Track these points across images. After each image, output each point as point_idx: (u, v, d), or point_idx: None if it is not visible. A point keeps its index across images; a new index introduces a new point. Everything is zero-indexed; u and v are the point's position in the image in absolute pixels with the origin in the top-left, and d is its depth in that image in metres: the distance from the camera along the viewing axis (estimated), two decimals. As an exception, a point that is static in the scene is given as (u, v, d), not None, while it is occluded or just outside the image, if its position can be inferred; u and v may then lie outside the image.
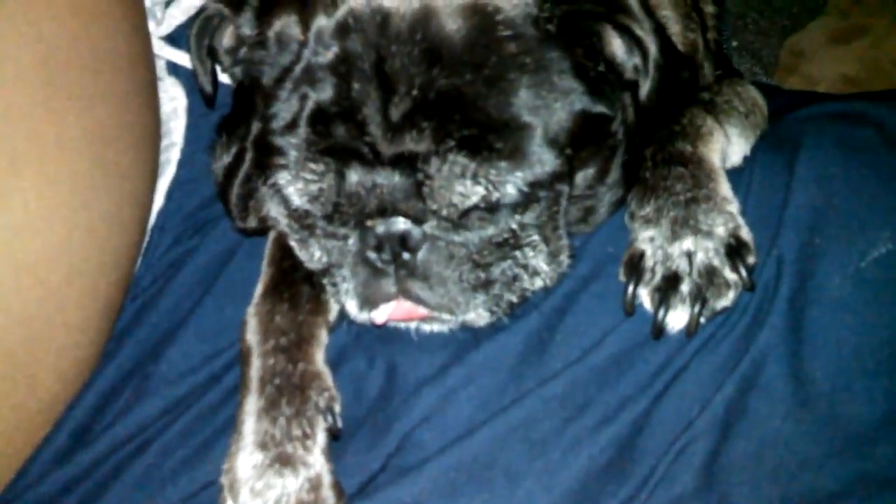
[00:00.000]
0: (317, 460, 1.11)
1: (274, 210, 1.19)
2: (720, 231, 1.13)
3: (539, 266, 1.13)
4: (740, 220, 1.15)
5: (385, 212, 1.06)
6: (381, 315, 1.14)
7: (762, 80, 2.31)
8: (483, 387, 1.15)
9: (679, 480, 1.09)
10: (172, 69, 1.44)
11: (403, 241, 1.07)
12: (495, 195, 1.04)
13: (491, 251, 1.10)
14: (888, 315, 1.12)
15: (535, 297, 1.17)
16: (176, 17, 1.47)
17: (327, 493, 1.10)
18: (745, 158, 1.29)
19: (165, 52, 1.44)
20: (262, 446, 1.10)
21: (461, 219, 1.07)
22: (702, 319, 1.11)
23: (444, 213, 1.05)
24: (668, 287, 1.11)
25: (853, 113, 1.34)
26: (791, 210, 1.18)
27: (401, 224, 1.07)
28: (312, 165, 1.04)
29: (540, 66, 1.05)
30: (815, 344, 1.11)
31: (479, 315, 1.12)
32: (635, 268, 1.14)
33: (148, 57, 1.39)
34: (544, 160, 1.05)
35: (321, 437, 1.12)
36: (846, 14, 2.51)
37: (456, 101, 1.01)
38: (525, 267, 1.13)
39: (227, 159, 1.22)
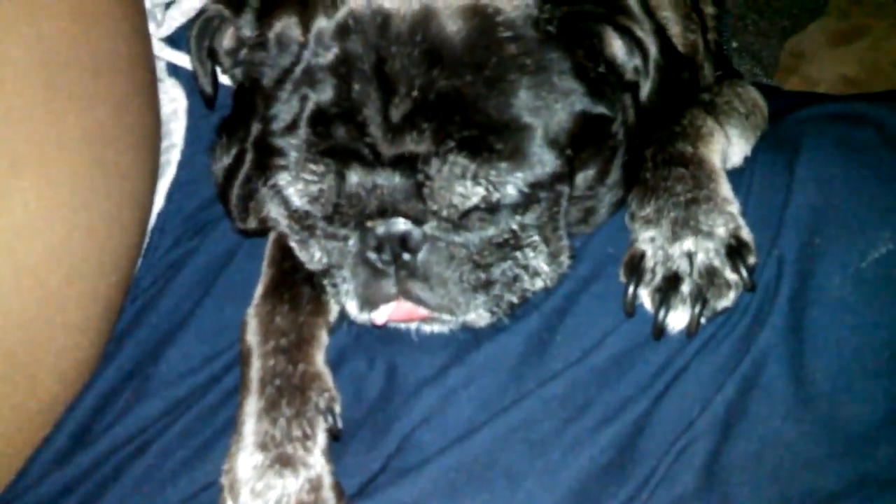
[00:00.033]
0: (317, 461, 1.11)
1: (274, 211, 1.19)
2: (721, 231, 1.13)
3: (539, 267, 1.13)
4: (741, 221, 1.15)
5: (385, 213, 1.06)
6: (381, 316, 1.14)
7: (762, 81, 2.31)
8: (483, 387, 1.15)
9: (680, 481, 1.09)
10: (172, 70, 1.44)
11: (404, 241, 1.07)
12: (496, 196, 1.04)
13: (491, 252, 1.10)
14: (889, 315, 1.12)
15: (536, 298, 1.17)
16: (176, 18, 1.47)
17: (327, 494, 1.10)
18: (746, 159, 1.29)
19: (165, 54, 1.44)
20: (263, 447, 1.10)
21: (461, 219, 1.07)
22: (702, 320, 1.11)
23: (445, 213, 1.05)
24: (668, 287, 1.11)
25: (853, 114, 1.35)
26: (791, 210, 1.18)
27: (401, 225, 1.07)
28: (313, 166, 1.04)
29: (540, 67, 1.05)
30: (816, 344, 1.11)
31: (479, 316, 1.12)
32: (636, 268, 1.14)
33: (148, 58, 1.39)
34: (545, 161, 1.05)
35: (321, 438, 1.12)
36: (846, 15, 2.51)
37: (456, 102, 1.01)
38: (525, 267, 1.13)
39: (227, 160, 1.22)
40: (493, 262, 1.10)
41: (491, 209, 1.06)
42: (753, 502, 1.08)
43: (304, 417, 1.12)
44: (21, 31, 1.16)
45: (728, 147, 1.27)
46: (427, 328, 1.17)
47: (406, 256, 1.08)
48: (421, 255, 1.08)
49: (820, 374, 1.10)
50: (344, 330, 1.22)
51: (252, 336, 1.18)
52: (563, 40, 1.06)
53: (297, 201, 1.08)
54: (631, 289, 1.13)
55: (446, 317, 1.12)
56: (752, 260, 1.12)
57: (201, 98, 1.29)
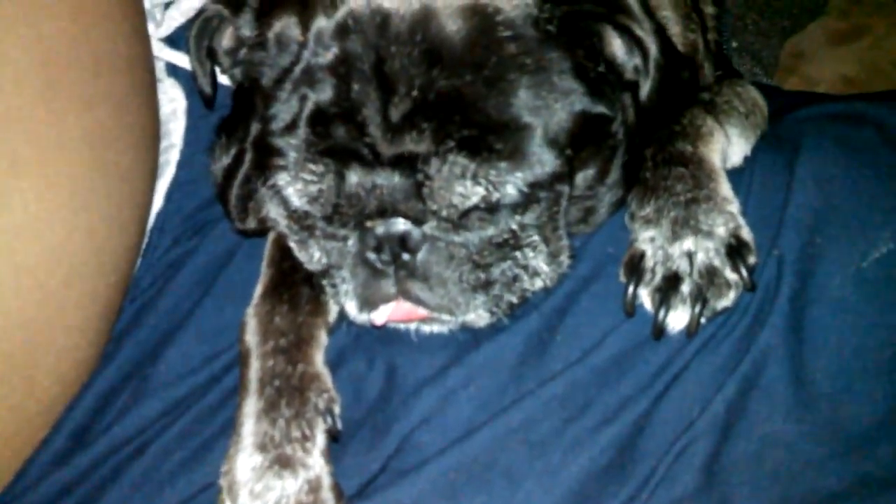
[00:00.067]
0: (316, 462, 1.10)
1: (273, 211, 1.19)
2: (721, 231, 1.13)
3: (539, 266, 1.13)
4: (741, 221, 1.15)
5: (385, 213, 1.06)
6: (380, 316, 1.13)
7: (762, 80, 2.31)
8: (483, 388, 1.15)
9: (680, 481, 1.09)
10: (172, 71, 1.44)
11: (403, 241, 1.07)
12: (495, 196, 1.03)
13: (491, 252, 1.10)
14: (889, 315, 1.12)
15: (536, 298, 1.17)
16: (175, 18, 1.47)
17: (327, 495, 1.09)
18: (746, 159, 1.29)
19: (165, 54, 1.43)
20: (262, 448, 1.10)
21: (461, 219, 1.07)
22: (702, 320, 1.11)
23: (444, 213, 1.05)
24: (668, 287, 1.11)
25: (853, 113, 1.34)
26: (791, 210, 1.17)
27: (400, 225, 1.07)
28: (312, 166, 1.04)
29: (540, 67, 1.05)
30: (816, 344, 1.11)
31: (479, 316, 1.12)
32: (636, 268, 1.14)
33: (147, 59, 1.39)
34: (544, 161, 1.05)
35: (320, 439, 1.12)
36: (846, 15, 2.51)
37: (456, 102, 1.01)
38: (525, 267, 1.12)
39: (226, 160, 1.22)
40: (493, 262, 1.10)
41: (490, 209, 1.06)
42: (753, 502, 1.08)
43: (304, 418, 1.12)
44: (21, 31, 1.15)
45: (728, 146, 1.27)
46: (426, 328, 1.17)
47: (405, 256, 1.08)
48: (420, 255, 1.08)
49: (820, 373, 1.10)
50: (343, 330, 1.22)
51: (251, 336, 1.18)
52: (563, 40, 1.06)
53: (297, 201, 1.07)
54: (631, 289, 1.13)
55: (446, 317, 1.12)
56: (752, 260, 1.12)
57: (200, 98, 1.29)
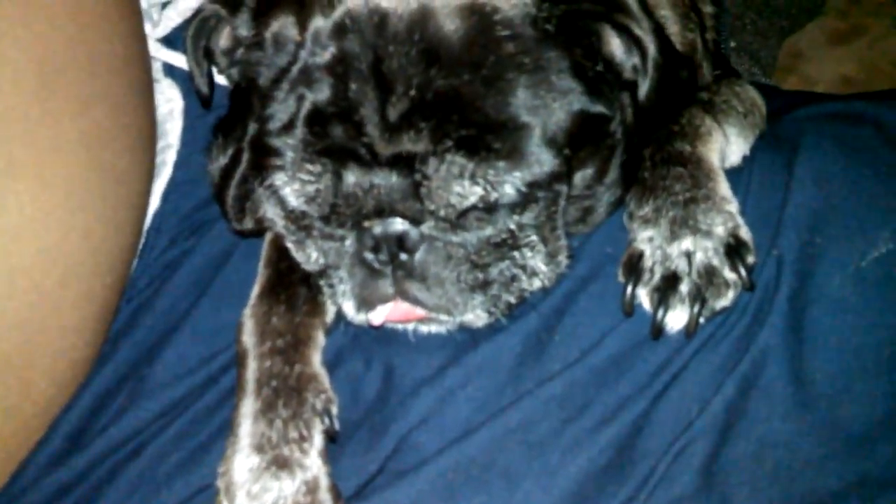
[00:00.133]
0: (314, 463, 1.10)
1: (270, 211, 1.19)
2: (719, 231, 1.12)
3: (537, 266, 1.13)
4: (739, 220, 1.15)
5: (382, 212, 1.05)
6: (378, 316, 1.13)
7: (760, 80, 2.30)
8: (481, 388, 1.14)
9: (679, 481, 1.08)
10: (169, 71, 1.44)
11: (401, 241, 1.07)
12: (493, 195, 1.03)
13: (489, 252, 1.09)
14: (889, 315, 1.11)
15: (534, 298, 1.16)
16: (172, 18, 1.46)
17: (324, 496, 1.09)
18: (744, 158, 1.29)
19: (162, 54, 1.43)
20: (259, 449, 1.10)
21: (459, 219, 1.06)
22: (701, 319, 1.10)
23: (442, 213, 1.04)
24: (667, 287, 1.11)
25: (852, 113, 1.34)
26: (790, 210, 1.17)
27: (398, 225, 1.06)
28: (309, 166, 1.04)
29: (538, 66, 1.05)
30: (816, 344, 1.11)
31: (477, 316, 1.11)
32: (634, 268, 1.14)
33: (144, 59, 1.38)
34: (543, 160, 1.04)
35: (318, 440, 1.11)
36: (844, 15, 2.51)
37: (454, 102, 1.01)
38: (523, 267, 1.12)
39: (223, 161, 1.22)
40: (491, 262, 1.10)
41: (489, 209, 1.06)
42: (753, 503, 1.08)
43: (301, 419, 1.11)
44: (17, 31, 1.15)
45: (726, 146, 1.27)
46: (424, 329, 1.16)
47: (403, 256, 1.08)
48: (418, 256, 1.08)
49: (819, 373, 1.10)
50: (341, 331, 1.22)
51: (248, 337, 1.18)
52: (562, 39, 1.06)
53: (294, 201, 1.07)
54: (629, 288, 1.13)
55: (444, 317, 1.12)
56: (751, 259, 1.12)
57: (197, 98, 1.28)
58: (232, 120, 1.21)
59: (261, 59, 1.10)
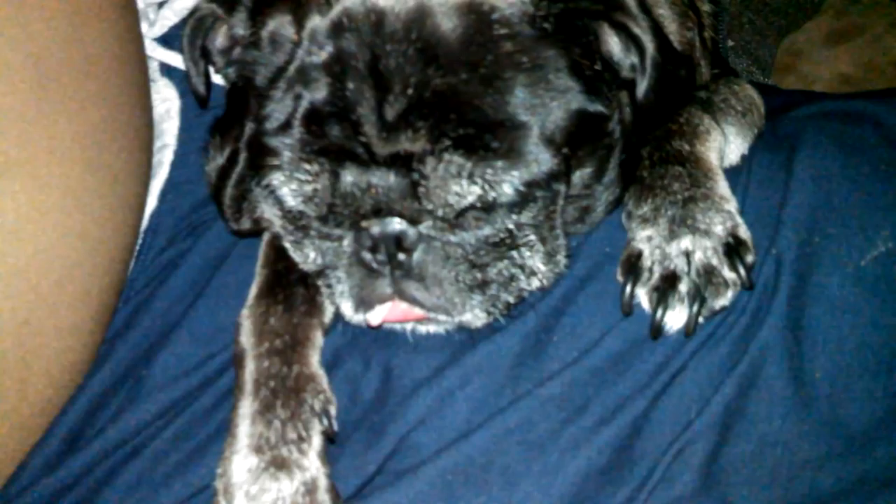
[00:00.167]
0: (312, 463, 1.10)
1: (268, 211, 1.18)
2: (718, 230, 1.12)
3: (536, 266, 1.13)
4: (738, 219, 1.14)
5: (380, 212, 1.05)
6: (376, 316, 1.13)
7: (759, 79, 2.31)
8: (480, 388, 1.14)
9: (678, 481, 1.08)
10: (165, 71, 1.43)
11: (399, 241, 1.07)
12: (492, 195, 1.03)
13: (487, 251, 1.09)
14: (888, 314, 1.11)
15: (532, 298, 1.16)
16: (169, 18, 1.46)
17: (323, 497, 1.09)
18: (743, 157, 1.29)
19: (158, 54, 1.43)
20: (257, 450, 1.09)
21: (457, 219, 1.06)
22: (700, 319, 1.10)
23: (440, 213, 1.04)
24: (666, 287, 1.10)
25: (851, 111, 1.34)
26: (790, 209, 1.17)
27: (396, 224, 1.06)
28: (307, 166, 1.04)
29: (536, 65, 1.04)
30: (815, 343, 1.11)
31: (475, 316, 1.11)
32: (633, 267, 1.13)
33: (140, 59, 1.38)
34: (541, 159, 1.04)
35: (317, 440, 1.11)
36: (842, 14, 2.51)
37: (451, 101, 1.00)
38: (522, 267, 1.12)
39: (220, 160, 1.22)
40: (489, 262, 1.09)
41: (487, 208, 1.06)
42: (753, 503, 1.08)
43: (299, 419, 1.11)
44: (13, 31, 1.15)
45: (725, 145, 1.27)
46: (423, 329, 1.16)
47: (401, 256, 1.07)
48: (416, 255, 1.08)
49: (819, 373, 1.09)
50: (339, 331, 1.21)
51: (246, 338, 1.17)
52: (560, 37, 1.06)
53: (291, 201, 1.07)
54: (628, 288, 1.13)
55: (442, 317, 1.12)
56: (750, 258, 1.12)
57: (194, 98, 1.28)
58: (229, 119, 1.21)
59: (257, 58, 1.10)
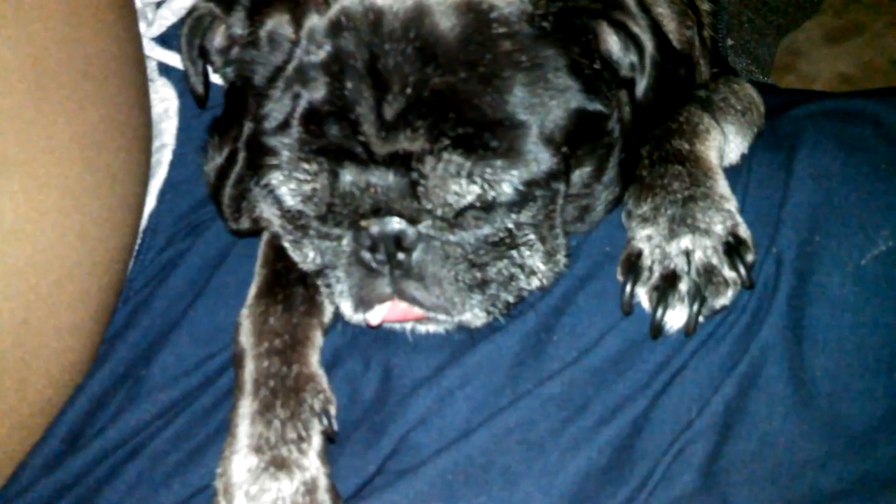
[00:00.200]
0: (312, 463, 1.09)
1: (267, 211, 1.18)
2: (718, 229, 1.12)
3: (536, 265, 1.13)
4: (738, 218, 1.14)
5: (379, 212, 1.05)
6: (376, 316, 1.13)
7: (758, 78, 2.30)
8: (480, 388, 1.14)
9: (678, 481, 1.08)
10: (164, 70, 1.43)
11: (398, 241, 1.07)
12: (491, 194, 1.03)
13: (487, 251, 1.09)
14: (889, 313, 1.11)
15: (532, 297, 1.16)
16: (167, 17, 1.46)
17: (323, 497, 1.09)
18: (743, 156, 1.29)
19: (156, 53, 1.43)
20: (257, 450, 1.09)
21: (456, 218, 1.06)
22: (700, 318, 1.10)
23: (440, 212, 1.04)
24: (666, 286, 1.10)
25: (851, 110, 1.34)
26: (790, 208, 1.17)
27: (395, 224, 1.06)
28: (305, 165, 1.04)
29: (535, 64, 1.04)
30: (816, 342, 1.10)
31: (475, 315, 1.11)
32: (633, 267, 1.13)
33: (139, 58, 1.38)
34: (540, 159, 1.04)
35: (316, 440, 1.11)
36: (842, 13, 2.51)
37: (450, 100, 1.00)
38: (521, 266, 1.12)
39: (219, 160, 1.22)
40: (489, 261, 1.09)
41: (486, 207, 1.05)
42: (753, 503, 1.08)
43: (299, 419, 1.11)
44: (10, 31, 1.15)
45: (725, 144, 1.27)
46: (422, 328, 1.16)
47: (401, 256, 1.07)
48: (416, 255, 1.07)
49: (820, 372, 1.09)
50: (339, 331, 1.21)
51: (245, 337, 1.17)
52: (559, 36, 1.06)
53: (290, 201, 1.07)
54: (628, 287, 1.12)
55: (442, 317, 1.12)
56: (750, 257, 1.12)
57: (193, 97, 1.28)
58: (227, 119, 1.21)
59: (256, 57, 1.09)
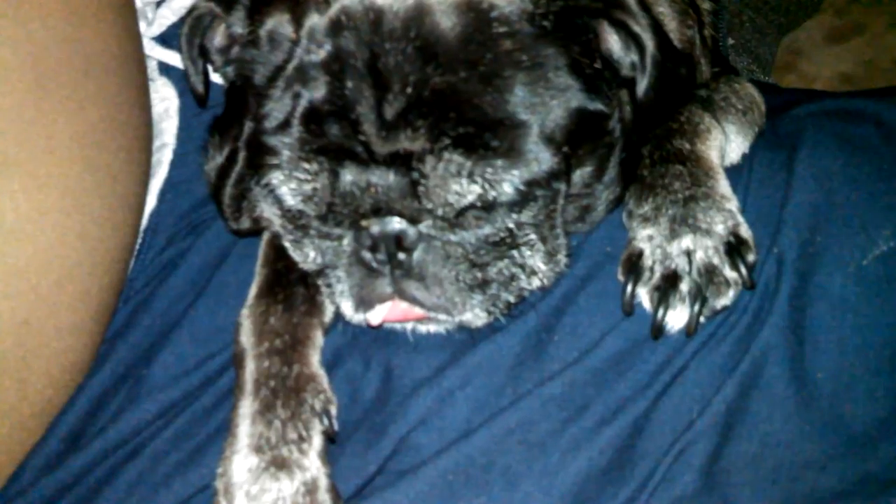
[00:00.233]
0: (313, 463, 1.09)
1: (267, 210, 1.18)
2: (719, 229, 1.12)
3: (536, 265, 1.12)
4: (740, 218, 1.14)
5: (380, 211, 1.05)
6: (376, 316, 1.13)
7: (759, 78, 2.30)
8: (480, 388, 1.14)
9: (679, 482, 1.08)
10: (164, 70, 1.43)
11: (399, 241, 1.06)
12: (492, 194, 1.03)
13: (487, 250, 1.09)
14: (890, 313, 1.11)
15: (533, 297, 1.16)
16: (167, 17, 1.46)
17: (323, 497, 1.09)
18: (744, 156, 1.29)
19: (157, 53, 1.43)
20: (258, 450, 1.09)
21: (457, 218, 1.06)
22: (701, 319, 1.10)
23: (440, 212, 1.04)
24: (667, 286, 1.10)
25: (852, 110, 1.34)
26: (791, 208, 1.17)
27: (396, 224, 1.06)
28: (306, 165, 1.04)
29: (536, 63, 1.04)
30: (817, 343, 1.10)
31: (476, 315, 1.11)
32: (634, 267, 1.13)
33: (139, 58, 1.38)
34: (541, 158, 1.04)
35: (317, 440, 1.11)
36: (843, 12, 2.51)
37: (451, 99, 1.00)
38: (522, 266, 1.12)
39: (219, 160, 1.22)
40: (490, 261, 1.09)
41: (487, 207, 1.05)
42: (754, 503, 1.07)
43: (300, 419, 1.11)
44: (10, 30, 1.15)
45: (726, 144, 1.27)
46: (423, 328, 1.16)
47: (401, 256, 1.07)
48: (416, 255, 1.07)
49: (821, 373, 1.09)
50: (339, 331, 1.21)
51: (246, 337, 1.17)
52: (559, 35, 1.06)
53: (291, 200, 1.07)
54: (629, 287, 1.12)
55: (442, 317, 1.12)
56: (751, 258, 1.11)
57: (193, 97, 1.28)
58: (228, 118, 1.21)
59: (256, 56, 1.09)
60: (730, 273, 1.10)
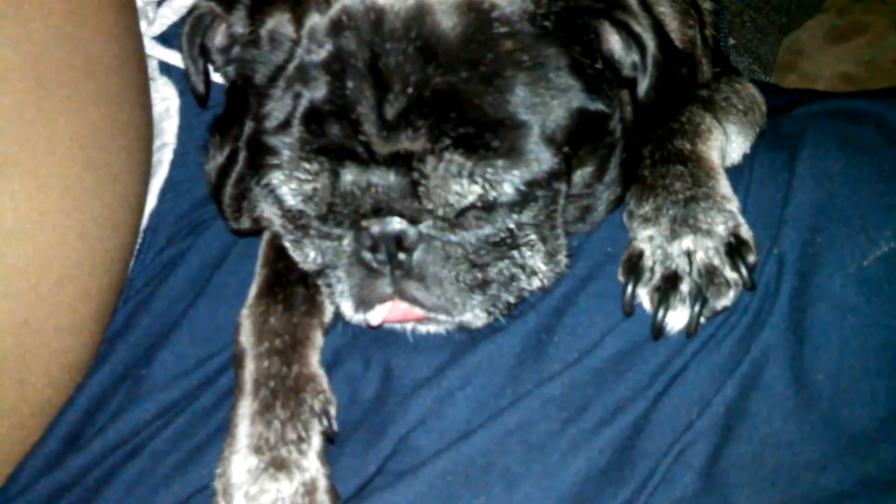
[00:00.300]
0: (312, 464, 1.09)
1: (268, 210, 1.18)
2: (720, 230, 1.12)
3: (537, 266, 1.12)
4: (740, 219, 1.14)
5: (380, 211, 1.05)
6: (376, 316, 1.13)
7: (760, 78, 2.30)
8: (480, 389, 1.14)
9: (679, 483, 1.08)
10: (165, 69, 1.43)
11: (399, 241, 1.06)
12: (492, 194, 1.03)
13: (488, 251, 1.09)
14: (891, 314, 1.11)
15: (533, 298, 1.16)
16: (167, 16, 1.46)
17: (323, 498, 1.08)
18: (745, 156, 1.29)
19: (157, 52, 1.42)
20: (257, 450, 1.09)
21: (457, 218, 1.06)
22: (702, 319, 1.10)
23: (441, 212, 1.04)
24: (667, 287, 1.10)
25: (853, 110, 1.34)
26: (792, 208, 1.17)
27: (396, 224, 1.06)
28: (306, 165, 1.03)
29: (537, 64, 1.04)
30: (817, 344, 1.10)
31: (476, 316, 1.11)
32: (634, 267, 1.13)
33: (140, 57, 1.38)
34: (542, 158, 1.04)
35: (316, 441, 1.11)
36: (844, 12, 2.51)
37: (452, 99, 1.00)
38: (522, 267, 1.11)
39: (220, 159, 1.21)
40: (490, 262, 1.09)
41: (487, 207, 1.05)
42: (754, 504, 1.08)
43: (299, 420, 1.11)
44: (11, 30, 1.15)
45: (727, 144, 1.27)
46: (423, 329, 1.16)
47: (401, 256, 1.07)
48: (416, 255, 1.07)
49: (821, 374, 1.09)
50: (339, 331, 1.21)
51: (246, 337, 1.17)
52: (560, 36, 1.05)
53: (291, 200, 1.07)
54: (629, 288, 1.12)
55: (442, 317, 1.12)
56: (752, 258, 1.11)
57: (193, 96, 1.28)
58: (228, 118, 1.21)
59: (257, 56, 1.09)
60: (730, 274, 1.10)
